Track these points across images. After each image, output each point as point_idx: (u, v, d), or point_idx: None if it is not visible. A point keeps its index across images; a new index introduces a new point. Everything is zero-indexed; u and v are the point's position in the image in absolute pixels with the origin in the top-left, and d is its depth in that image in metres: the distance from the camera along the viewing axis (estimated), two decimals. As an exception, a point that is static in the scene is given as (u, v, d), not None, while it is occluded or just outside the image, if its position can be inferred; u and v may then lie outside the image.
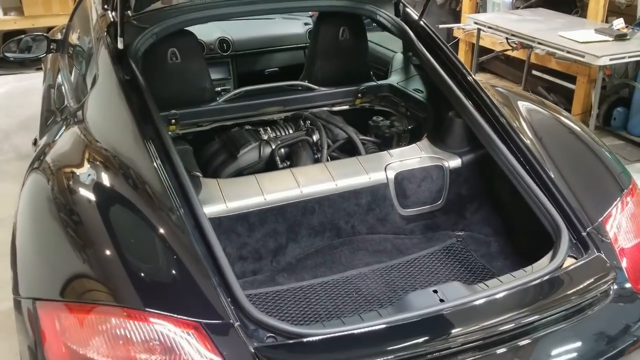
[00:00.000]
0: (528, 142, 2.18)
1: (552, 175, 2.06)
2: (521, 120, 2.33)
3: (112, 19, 2.50)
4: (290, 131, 2.75)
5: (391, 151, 2.47)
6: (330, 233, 2.31)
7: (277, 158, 2.56)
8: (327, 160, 2.59)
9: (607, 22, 4.99)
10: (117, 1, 2.17)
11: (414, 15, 2.84)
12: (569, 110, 5.40)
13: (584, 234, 1.90)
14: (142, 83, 2.23)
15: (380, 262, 2.23)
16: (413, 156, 2.45)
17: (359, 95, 2.99)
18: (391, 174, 2.36)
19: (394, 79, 3.09)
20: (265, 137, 2.65)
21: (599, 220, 1.93)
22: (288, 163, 2.58)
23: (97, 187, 1.88)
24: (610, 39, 4.28)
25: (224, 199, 2.15)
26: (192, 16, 2.58)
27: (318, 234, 2.29)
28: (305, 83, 2.97)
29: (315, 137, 2.65)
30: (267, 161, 2.58)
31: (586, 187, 2.07)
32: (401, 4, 2.88)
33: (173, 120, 2.63)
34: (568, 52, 4.17)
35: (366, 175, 2.33)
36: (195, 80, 2.74)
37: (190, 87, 2.73)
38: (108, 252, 1.63)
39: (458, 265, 2.21)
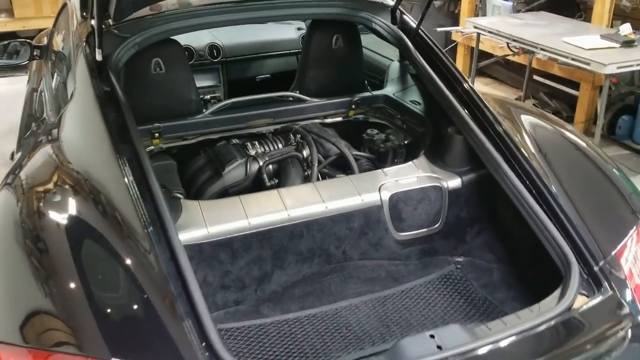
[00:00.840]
0: (534, 162, 2.02)
1: (560, 201, 1.90)
2: (525, 136, 2.17)
3: (91, 28, 2.34)
4: (280, 145, 2.59)
5: (386, 170, 2.31)
6: (319, 259, 2.14)
7: (265, 175, 2.39)
8: (318, 177, 2.43)
9: (612, 26, 4.83)
10: (94, 10, 2.01)
11: (412, 22, 2.68)
12: (571, 117, 5.25)
13: (596, 268, 1.73)
14: (122, 98, 2.09)
15: (373, 292, 2.07)
16: (409, 175, 2.28)
17: (353, 106, 2.83)
18: (385, 195, 2.19)
19: (390, 89, 2.94)
20: (253, 153, 2.49)
21: (613, 252, 1.76)
22: (276, 181, 2.42)
23: (65, 214, 1.73)
24: (617, 45, 4.11)
25: (206, 223, 1.99)
26: (176, 25, 2.42)
27: (306, 261, 2.12)
28: (297, 94, 2.82)
29: (305, 153, 2.49)
30: (254, 179, 2.42)
31: (597, 213, 1.91)
32: (398, 11, 2.71)
33: (157, 134, 2.50)
34: (573, 59, 4.00)
35: (359, 197, 2.17)
36: (180, 91, 2.60)
37: (175, 98, 2.59)
38: (72, 290, 1.49)
39: (457, 297, 2.04)
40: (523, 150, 2.06)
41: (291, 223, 2.07)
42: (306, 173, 2.45)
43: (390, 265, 2.21)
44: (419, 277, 2.15)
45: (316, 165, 2.43)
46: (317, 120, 2.78)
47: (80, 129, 2.10)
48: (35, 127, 2.64)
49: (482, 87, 6.25)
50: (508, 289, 2.08)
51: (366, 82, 3.02)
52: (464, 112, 2.25)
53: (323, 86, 2.83)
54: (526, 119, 2.31)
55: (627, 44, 4.11)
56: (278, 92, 2.87)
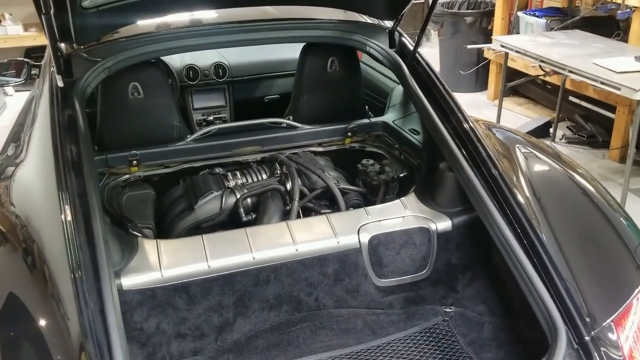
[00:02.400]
0: (528, 210, 1.79)
1: (552, 254, 1.66)
2: (521, 178, 1.93)
3: (60, 51, 2.23)
4: (264, 176, 2.42)
5: (369, 208, 2.10)
6: (288, 307, 1.95)
7: (242, 210, 2.22)
8: (299, 213, 2.24)
9: (651, 46, 4.50)
10: (46, 32, 1.89)
11: (411, 46, 2.47)
12: (607, 142, 4.92)
13: (587, 337, 1.49)
14: (81, 127, 1.96)
15: (346, 346, 1.86)
16: (394, 215, 2.07)
17: (349, 134, 2.63)
18: (365, 238, 1.99)
19: (391, 115, 2.74)
20: (232, 184, 2.33)
21: (609, 320, 1.52)
22: (254, 215, 2.24)
23: None
24: (653, 68, 3.79)
25: (161, 265, 1.83)
26: (151, 48, 2.29)
27: (273, 308, 1.93)
28: (288, 120, 2.64)
29: (289, 185, 2.31)
30: (230, 213, 2.25)
31: (595, 270, 1.67)
32: (397, 33, 2.51)
33: (134, 161, 2.37)
34: (602, 82, 3.70)
35: (334, 239, 1.97)
36: (160, 117, 2.47)
37: (154, 124, 2.46)
38: None
39: (439, 356, 1.82)
40: (518, 195, 1.84)
41: (256, 267, 1.90)
42: (288, 207, 2.26)
43: (370, 315, 2.00)
44: (400, 329, 1.93)
45: (297, 200, 2.24)
46: (309, 149, 2.60)
47: (34, 162, 1.99)
48: (11, 149, 2.55)
49: (516, 107, 5.98)
50: (498, 348, 1.84)
51: (367, 107, 2.83)
52: (456, 147, 2.03)
53: (317, 112, 2.66)
54: (529, 160, 2.08)
55: (664, 66, 3.78)
56: (281, 114, 2.72)
